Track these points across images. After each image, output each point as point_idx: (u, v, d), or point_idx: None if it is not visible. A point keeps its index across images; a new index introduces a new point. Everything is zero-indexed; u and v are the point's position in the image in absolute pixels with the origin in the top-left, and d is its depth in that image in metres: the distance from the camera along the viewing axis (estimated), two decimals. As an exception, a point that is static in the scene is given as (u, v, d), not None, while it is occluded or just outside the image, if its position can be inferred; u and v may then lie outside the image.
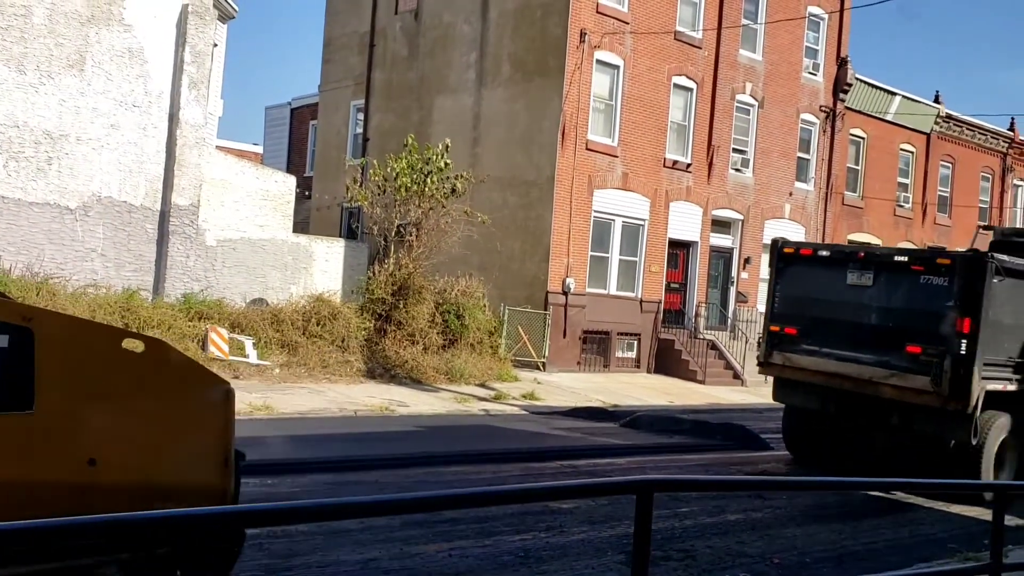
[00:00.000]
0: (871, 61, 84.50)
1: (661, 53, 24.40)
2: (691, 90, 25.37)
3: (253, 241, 20.60)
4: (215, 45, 20.47)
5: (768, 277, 13.31)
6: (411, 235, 19.86)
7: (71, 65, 17.45)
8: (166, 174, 18.68)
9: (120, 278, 17.66)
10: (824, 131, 29.10)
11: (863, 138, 30.80)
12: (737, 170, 26.65)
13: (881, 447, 12.59)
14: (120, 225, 18.08)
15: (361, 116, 28.31)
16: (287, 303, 19.06)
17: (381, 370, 18.09)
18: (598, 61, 23.09)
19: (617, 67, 23.56)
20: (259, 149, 40.29)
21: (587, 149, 22.88)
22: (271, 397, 14.52)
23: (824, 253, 12.62)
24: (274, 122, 38.38)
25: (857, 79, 29.74)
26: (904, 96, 31.73)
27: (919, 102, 32.37)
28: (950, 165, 34.16)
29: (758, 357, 13.29)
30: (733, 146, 26.52)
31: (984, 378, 10.98)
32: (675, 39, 24.67)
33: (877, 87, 30.84)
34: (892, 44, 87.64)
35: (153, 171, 18.53)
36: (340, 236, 25.84)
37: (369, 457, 11.29)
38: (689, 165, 25.26)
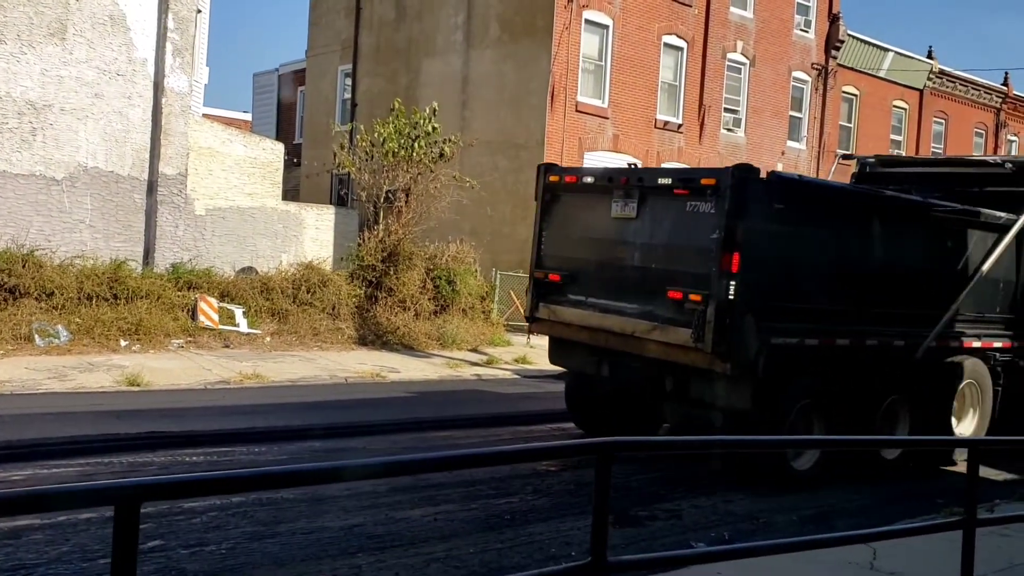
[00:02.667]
0: (863, 17, 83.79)
1: (651, 12, 24.13)
2: (681, 49, 25.13)
3: (242, 209, 20.47)
4: (199, 11, 20.19)
5: (535, 214, 10.99)
6: (400, 201, 19.75)
7: (52, 34, 17.21)
8: (152, 143, 18.51)
9: (109, 249, 17.56)
10: (816, 89, 28.89)
11: (856, 95, 30.60)
12: (729, 130, 26.48)
13: (678, 417, 10.06)
14: (108, 195, 17.94)
15: (349, 81, 28.05)
16: (277, 271, 18.99)
17: (372, 337, 18.07)
18: (587, 21, 22.84)
19: (606, 27, 23.32)
20: (248, 116, 39.98)
21: (577, 111, 22.70)
22: (261, 365, 14.52)
23: (589, 180, 10.31)
24: (262, 89, 38.04)
25: (849, 35, 29.47)
26: (897, 52, 31.47)
27: (912, 58, 32.12)
28: (943, 121, 33.98)
29: (525, 312, 11.21)
30: (724, 106, 26.33)
31: (767, 331, 8.78)
32: (665, -3, 24.37)
33: (869, 43, 30.57)
34: None
35: (139, 140, 18.36)
36: (330, 203, 25.70)
37: (358, 423, 11.30)
38: (680, 125, 25.09)
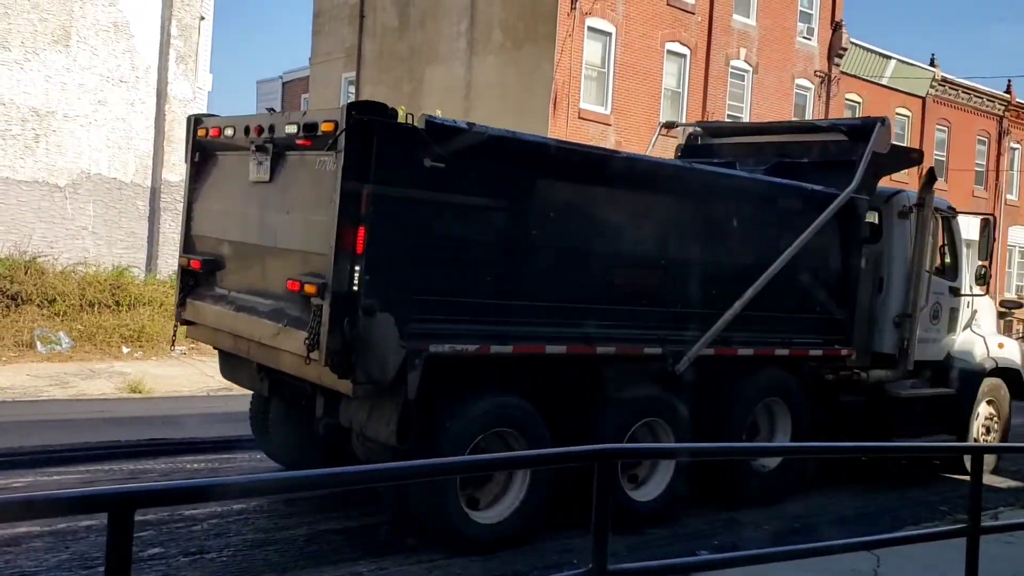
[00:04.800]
0: (866, 25, 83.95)
1: (654, 19, 24.16)
2: (685, 56, 25.15)
3: (245, 216, 20.49)
4: (202, 18, 20.26)
5: (184, 180, 8.50)
6: (403, 207, 19.71)
7: (56, 41, 17.27)
8: (156, 150, 18.57)
9: (112, 255, 17.59)
10: (819, 96, 28.89)
11: (858, 103, 30.59)
12: (732, 137, 26.46)
13: (361, 451, 7.09)
14: (110, 202, 17.98)
15: (352, 88, 28.10)
16: (280, 278, 18.99)
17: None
18: (590, 28, 22.87)
19: (609, 34, 23.35)
20: (252, 124, 40.03)
21: (580, 118, 22.72)
22: (264, 372, 14.48)
23: (230, 132, 7.64)
24: (266, 96, 38.15)
25: (852, 43, 29.48)
26: (899, 60, 31.48)
27: (914, 65, 32.13)
28: (946, 129, 33.95)
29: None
30: (728, 112, 26.32)
31: (420, 335, 6.37)
32: (668, 5, 24.42)
33: (872, 51, 30.58)
34: (886, 6, 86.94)
35: (143, 147, 18.40)
36: (334, 210, 25.71)
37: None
38: (683, 132, 25.09)
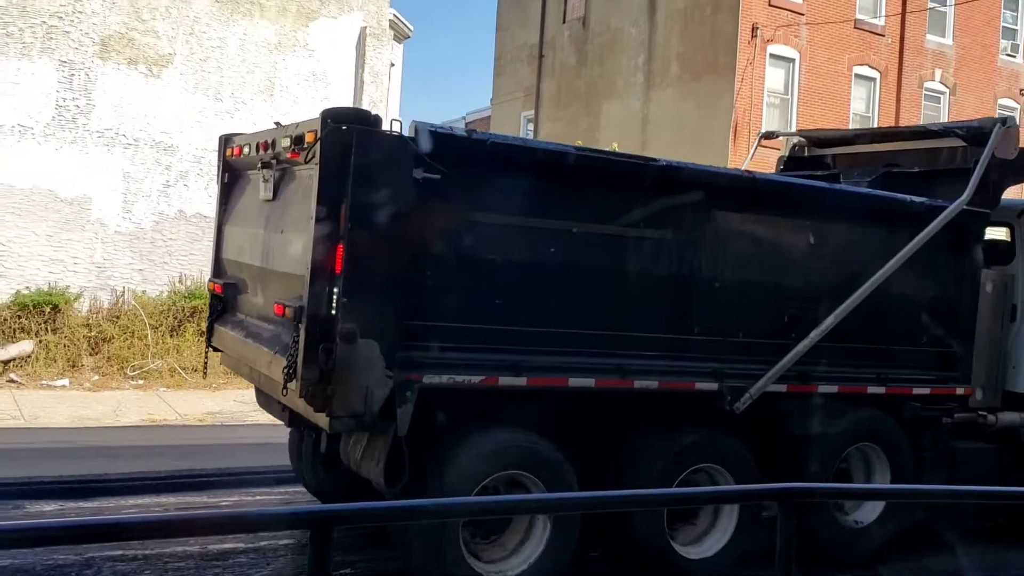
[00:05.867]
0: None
1: (840, 43, 23.42)
2: (874, 80, 24.21)
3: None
4: (392, 65, 21.36)
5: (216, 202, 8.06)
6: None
7: (261, 91, 18.65)
8: (348, 190, 19.64)
9: (308, 290, 18.69)
10: (1026, 116, 27.04)
11: (1072, 121, 28.38)
12: (927, 162, 25.19)
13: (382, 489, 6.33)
14: (307, 240, 19.13)
15: (531, 126, 28.75)
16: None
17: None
18: (771, 55, 22.45)
19: (792, 60, 22.82)
20: (437, 162, 41.58)
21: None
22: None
23: (247, 150, 7.19)
24: (450, 135, 39.55)
25: (1063, 57, 27.45)
26: (1120, 73, 29.00)
27: None
28: None
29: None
30: (922, 137, 25.11)
31: (412, 364, 5.66)
32: (855, 28, 23.62)
33: (1087, 65, 28.34)
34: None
35: (336, 187, 19.50)
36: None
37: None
38: (873, 159, 24.10)
